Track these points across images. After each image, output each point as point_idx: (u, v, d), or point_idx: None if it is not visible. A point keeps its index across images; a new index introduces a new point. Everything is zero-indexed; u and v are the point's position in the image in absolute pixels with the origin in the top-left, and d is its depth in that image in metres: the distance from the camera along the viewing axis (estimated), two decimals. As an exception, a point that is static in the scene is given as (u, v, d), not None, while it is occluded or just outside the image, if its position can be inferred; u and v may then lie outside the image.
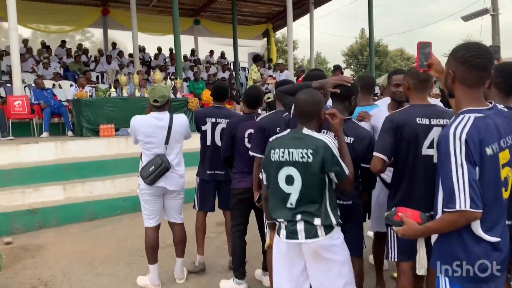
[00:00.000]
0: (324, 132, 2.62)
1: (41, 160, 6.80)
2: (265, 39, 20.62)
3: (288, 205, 2.39)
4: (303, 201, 2.36)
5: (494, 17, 14.66)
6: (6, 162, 6.50)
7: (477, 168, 1.74)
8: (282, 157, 2.40)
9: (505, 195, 1.86)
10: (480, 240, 1.77)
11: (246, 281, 3.85)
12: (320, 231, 2.34)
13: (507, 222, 1.97)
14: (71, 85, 10.48)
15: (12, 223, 5.68)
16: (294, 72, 12.75)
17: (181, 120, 3.89)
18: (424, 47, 2.30)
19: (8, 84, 9.61)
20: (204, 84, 13.02)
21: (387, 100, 4.17)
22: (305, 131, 2.43)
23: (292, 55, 13.95)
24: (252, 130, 3.64)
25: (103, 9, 16.00)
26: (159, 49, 16.56)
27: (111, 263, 4.59)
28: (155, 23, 16.79)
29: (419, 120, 2.56)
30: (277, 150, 2.44)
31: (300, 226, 2.35)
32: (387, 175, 3.03)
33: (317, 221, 2.33)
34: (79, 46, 15.61)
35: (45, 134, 8.28)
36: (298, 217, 2.36)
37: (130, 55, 15.10)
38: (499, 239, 1.79)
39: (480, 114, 1.80)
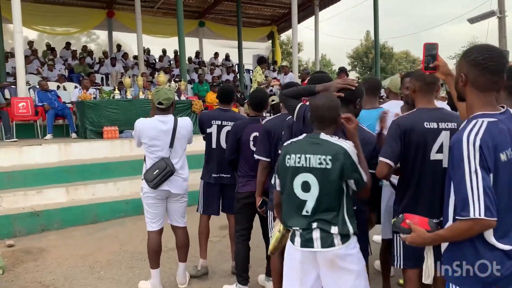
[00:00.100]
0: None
1: (44, 162, 6.79)
2: (270, 41, 20.62)
3: (304, 213, 2.30)
4: (320, 209, 2.27)
5: (501, 20, 14.55)
6: (8, 164, 6.49)
7: (491, 175, 1.68)
8: (299, 162, 2.31)
9: None
10: (493, 248, 1.72)
11: (249, 286, 3.79)
12: (337, 240, 2.25)
13: None
14: (76, 87, 10.49)
15: (14, 225, 5.65)
16: (299, 74, 12.70)
17: (185, 123, 3.84)
18: (430, 49, 2.24)
19: (12, 86, 9.61)
20: (209, 86, 12.99)
21: (393, 103, 4.12)
22: (323, 136, 2.34)
23: (297, 57, 13.92)
24: (257, 133, 3.58)
25: (108, 11, 16.04)
26: (164, 51, 16.57)
27: (113, 267, 4.55)
28: (160, 25, 16.83)
29: (427, 124, 2.51)
30: (292, 155, 2.34)
31: (316, 234, 2.26)
32: (396, 178, 2.97)
33: (334, 230, 2.25)
34: (84, 48, 15.65)
35: (48, 136, 8.27)
36: (314, 225, 2.27)
37: (135, 57, 15.12)
38: None
39: (493, 119, 1.74)
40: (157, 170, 3.68)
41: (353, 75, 29.94)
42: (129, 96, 8.65)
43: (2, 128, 8.12)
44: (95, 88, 9.51)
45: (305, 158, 2.30)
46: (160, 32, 17.06)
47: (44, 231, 5.83)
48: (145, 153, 3.82)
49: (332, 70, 36.24)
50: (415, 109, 2.67)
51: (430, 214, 2.32)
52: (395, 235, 2.68)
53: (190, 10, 17.42)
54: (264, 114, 4.09)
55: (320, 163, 2.26)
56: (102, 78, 13.03)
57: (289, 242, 2.41)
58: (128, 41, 18.24)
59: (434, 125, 2.51)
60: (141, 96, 8.75)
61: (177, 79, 11.48)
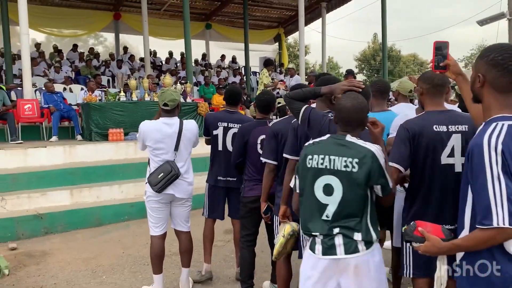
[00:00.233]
0: None
1: (48, 165, 6.75)
2: (277, 43, 20.54)
3: (324, 217, 2.18)
4: (342, 214, 2.15)
5: (511, 22, 14.36)
6: (13, 166, 6.45)
7: None
8: (321, 164, 2.19)
9: None
10: None
11: (253, 293, 3.70)
12: (361, 246, 2.13)
13: None
14: (82, 89, 10.48)
15: (18, 228, 5.61)
16: (306, 77, 12.61)
17: (191, 126, 3.77)
18: (440, 47, 2.15)
19: (19, 88, 9.61)
20: (215, 89, 12.94)
21: (402, 105, 4.03)
22: (349, 138, 2.23)
23: (303, 59, 13.83)
24: (265, 136, 3.50)
25: (115, 13, 16.05)
26: (170, 54, 16.55)
27: (115, 272, 4.48)
28: (166, 28, 16.82)
29: (436, 128, 2.43)
30: (315, 156, 2.22)
31: (339, 241, 2.14)
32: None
33: (357, 236, 2.13)
34: (91, 50, 15.68)
35: (54, 138, 8.23)
36: (336, 230, 2.14)
37: (141, 59, 15.12)
38: None
39: None
40: (162, 174, 3.60)
41: (360, 78, 29.79)
42: (134, 98, 8.61)
43: (8, 130, 8.10)
44: (100, 90, 9.48)
45: (329, 159, 2.18)
46: (166, 34, 17.04)
47: (48, 234, 5.79)
48: (149, 156, 3.75)
49: (340, 72, 36.12)
50: (423, 112, 2.60)
51: (441, 220, 2.24)
52: (404, 243, 2.59)
53: (196, 12, 17.41)
54: (270, 117, 4.01)
55: (346, 166, 2.14)
56: (108, 80, 13.02)
57: (307, 251, 2.27)
58: (135, 43, 18.28)
59: (443, 128, 2.43)
60: (147, 98, 8.71)
61: (183, 81, 11.44)
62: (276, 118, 4.25)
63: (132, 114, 8.15)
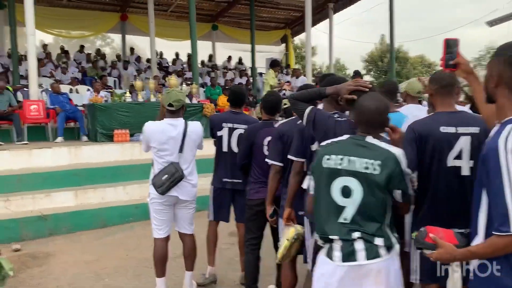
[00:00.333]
0: None
1: (53, 166, 6.73)
2: (284, 44, 20.48)
3: (341, 220, 2.07)
4: (361, 218, 2.05)
5: (521, 22, 14.20)
6: (17, 167, 6.44)
7: None
8: (340, 164, 2.10)
9: None
10: None
11: (258, 298, 3.63)
12: (383, 251, 2.04)
13: None
14: (88, 89, 10.48)
15: (22, 229, 5.58)
16: (313, 78, 12.53)
17: (196, 127, 3.71)
18: (451, 45, 2.08)
19: (25, 89, 9.63)
20: (221, 90, 12.91)
21: (411, 106, 3.94)
22: (370, 139, 2.14)
23: (310, 61, 13.74)
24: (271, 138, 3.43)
25: (121, 14, 16.09)
26: (177, 55, 16.57)
27: (119, 274, 4.43)
28: (173, 29, 16.82)
29: (443, 129, 2.38)
30: (333, 156, 2.13)
31: (360, 246, 2.03)
32: None
33: (378, 241, 2.03)
34: (97, 51, 15.73)
35: (59, 139, 8.22)
36: (355, 235, 2.04)
37: (148, 61, 15.13)
38: None
39: None
40: (166, 175, 3.54)
41: (367, 79, 29.62)
42: (140, 99, 8.58)
43: (14, 130, 8.10)
44: (106, 91, 9.47)
45: (348, 160, 2.09)
46: (173, 35, 17.04)
47: (52, 235, 5.75)
48: (153, 157, 3.69)
49: (347, 74, 35.95)
50: (432, 113, 2.56)
51: (448, 224, 2.15)
52: (411, 247, 2.54)
53: (203, 13, 17.39)
54: (276, 118, 3.94)
55: (366, 168, 2.05)
56: (114, 81, 13.03)
57: (323, 258, 2.14)
58: (142, 44, 18.33)
59: (451, 129, 2.38)
60: (153, 99, 8.68)
61: (189, 82, 11.41)
62: (282, 119, 4.18)
63: (137, 115, 8.09)
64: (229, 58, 17.62)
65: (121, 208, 6.41)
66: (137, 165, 7.11)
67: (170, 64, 16.03)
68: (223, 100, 11.59)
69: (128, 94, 8.69)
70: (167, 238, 3.76)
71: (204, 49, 16.94)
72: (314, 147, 2.72)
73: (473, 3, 57.98)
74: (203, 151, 4.23)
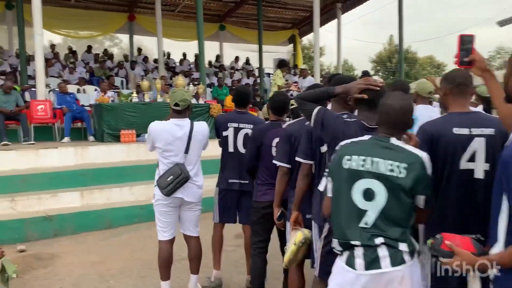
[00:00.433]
0: None
1: (60, 166, 6.71)
2: (291, 45, 20.38)
3: (362, 225, 1.97)
4: (384, 223, 1.95)
5: (533, 22, 13.99)
6: (24, 167, 6.42)
7: None
8: (362, 166, 2.00)
9: None
10: None
11: (264, 302, 3.56)
12: (407, 257, 1.94)
13: None
14: (95, 89, 10.47)
15: (27, 230, 5.55)
16: (321, 78, 12.43)
17: (202, 128, 3.65)
18: (466, 41, 2.00)
19: (33, 89, 9.64)
20: (228, 90, 12.85)
21: (421, 107, 3.85)
22: (394, 141, 2.05)
23: (318, 61, 13.63)
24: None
25: (129, 14, 16.12)
26: (184, 55, 16.55)
27: (123, 276, 4.38)
28: (180, 29, 16.81)
29: (456, 130, 2.29)
30: (354, 156, 2.03)
31: (383, 252, 1.92)
32: None
33: (402, 246, 1.93)
34: (105, 51, 15.75)
35: (66, 139, 8.21)
36: (378, 240, 1.93)
37: (155, 61, 15.12)
38: None
39: None
40: (171, 177, 3.48)
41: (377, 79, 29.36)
42: (147, 100, 8.55)
43: (21, 130, 8.10)
44: (113, 91, 9.45)
45: (372, 161, 1.99)
46: (180, 35, 17.02)
47: (57, 236, 5.72)
48: (158, 158, 3.63)
49: (355, 74, 35.77)
50: (446, 114, 2.46)
51: (460, 229, 2.07)
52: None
53: (210, 13, 17.36)
54: (284, 118, 3.87)
55: (391, 170, 1.96)
56: (122, 82, 13.02)
57: (343, 266, 2.02)
58: (149, 44, 18.34)
59: (465, 131, 2.28)
60: (159, 99, 8.64)
61: (196, 83, 11.37)
62: (290, 120, 4.11)
63: (144, 116, 8.04)
64: (237, 58, 17.57)
65: (127, 209, 6.36)
66: (143, 166, 7.06)
67: (177, 64, 16.00)
68: (230, 100, 11.53)
69: (135, 94, 8.65)
70: (172, 241, 3.70)
71: (211, 49, 16.91)
72: (324, 149, 2.64)
73: (484, 3, 57.52)
74: (208, 152, 4.17)
